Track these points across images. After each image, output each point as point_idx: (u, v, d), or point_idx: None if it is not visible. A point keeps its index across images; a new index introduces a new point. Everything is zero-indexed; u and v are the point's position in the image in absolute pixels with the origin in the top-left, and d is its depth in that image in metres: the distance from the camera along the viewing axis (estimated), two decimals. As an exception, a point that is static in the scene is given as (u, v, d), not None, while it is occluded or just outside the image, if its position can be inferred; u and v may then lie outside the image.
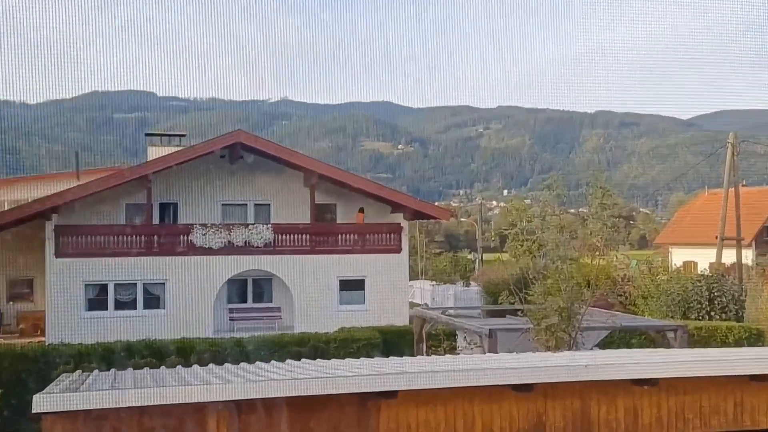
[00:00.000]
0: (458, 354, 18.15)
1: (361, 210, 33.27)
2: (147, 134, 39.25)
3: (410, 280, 40.91)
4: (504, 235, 18.39)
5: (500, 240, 19.08)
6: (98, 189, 29.87)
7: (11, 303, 33.76)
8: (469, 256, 71.75)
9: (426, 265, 61.73)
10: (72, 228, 29.97)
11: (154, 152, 34.89)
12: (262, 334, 27.51)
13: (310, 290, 31.41)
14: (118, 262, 29.82)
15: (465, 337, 19.80)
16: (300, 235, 31.64)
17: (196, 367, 13.26)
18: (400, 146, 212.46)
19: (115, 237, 30.08)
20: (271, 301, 33.20)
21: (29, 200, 33.40)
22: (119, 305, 30.34)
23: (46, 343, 26.66)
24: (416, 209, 32.84)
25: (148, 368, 13.75)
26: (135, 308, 30.33)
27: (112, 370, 13.21)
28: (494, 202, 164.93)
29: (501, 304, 18.23)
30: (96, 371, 13.40)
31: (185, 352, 23.89)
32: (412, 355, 20.80)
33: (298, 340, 25.79)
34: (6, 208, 35.50)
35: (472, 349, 18.69)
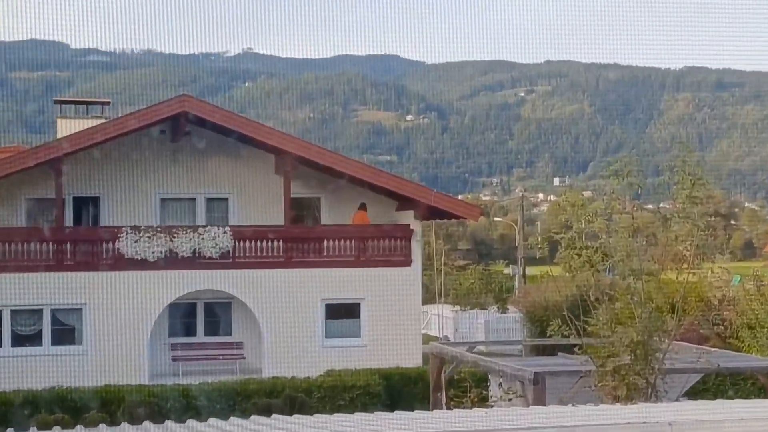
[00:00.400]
0: (491, 407, 18.13)
1: (363, 207, 33.24)
2: (56, 101, 39.38)
3: (424, 303, 40.89)
4: (555, 241, 18.36)
5: (550, 248, 19.05)
6: (-11, 178, 29.89)
7: None
8: (507, 271, 71.64)
9: (446, 283, 61.65)
10: (-48, 232, 30.00)
11: (66, 126, 34.92)
12: (218, 379, 27.54)
13: (284, 318, 31.42)
14: (15, 280, 29.82)
15: (500, 384, 19.75)
16: (270, 242, 31.65)
17: (125, 426, 13.23)
18: (409, 117, 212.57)
19: (12, 245, 30.09)
20: (230, 334, 33.22)
21: None
22: (18, 340, 30.36)
23: None
24: (432, 205, 32.84)
25: (59, 428, 13.73)
26: (40, 344, 30.37)
27: (9, 430, 13.20)
28: (541, 195, 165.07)
29: (550, 336, 18.22)
30: (-14, 432, 13.41)
31: (111, 405, 23.96)
32: (428, 408, 20.79)
33: (269, 388, 25.85)
34: None
35: (510, 399, 18.65)
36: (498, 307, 52.49)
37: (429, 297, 51.88)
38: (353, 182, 32.78)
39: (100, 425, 13.62)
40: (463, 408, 18.92)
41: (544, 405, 15.44)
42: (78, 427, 13.97)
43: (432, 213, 33.93)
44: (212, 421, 13.17)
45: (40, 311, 30.45)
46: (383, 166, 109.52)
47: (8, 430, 13.36)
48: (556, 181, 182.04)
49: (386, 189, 32.83)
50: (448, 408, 20.66)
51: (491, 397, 21.06)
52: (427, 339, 34.66)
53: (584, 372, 16.89)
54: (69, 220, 32.15)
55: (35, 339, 30.46)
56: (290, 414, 15.41)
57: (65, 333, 30.87)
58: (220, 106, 36.16)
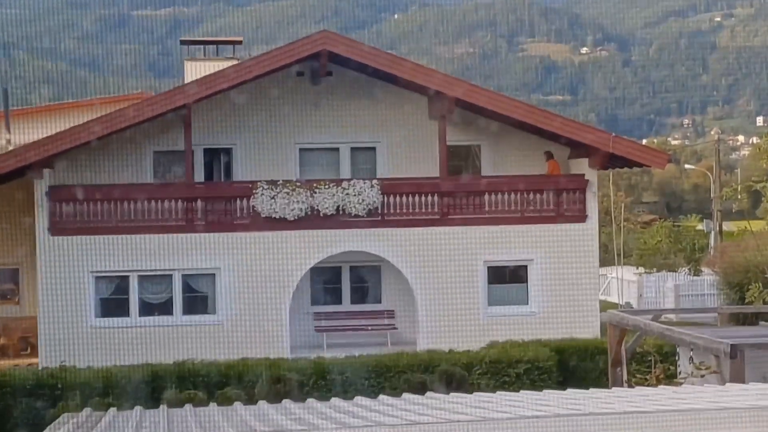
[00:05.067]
0: (680, 384, 17.95)
1: (549, 155, 33.00)
2: (183, 42, 40.21)
3: (602, 265, 40.52)
4: (756, 191, 18.02)
5: (751, 199, 18.71)
6: (112, 129, 30.70)
7: (-13, 306, 35.33)
8: (700, 226, 70.47)
9: (628, 242, 61.00)
10: (74, 190, 30.93)
11: (195, 70, 35.61)
12: (367, 352, 27.91)
13: (441, 284, 31.55)
14: (143, 242, 30.70)
15: (691, 358, 19.57)
16: (425, 197, 31.73)
17: (263, 404, 13.59)
18: (584, 49, 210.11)
19: (139, 203, 30.90)
20: (380, 302, 33.55)
21: (8, 148, 34.70)
22: (146, 309, 31.26)
23: (40, 367, 27.92)
24: (611, 152, 32.44)
25: (190, 405, 14.18)
26: (171, 313, 31.18)
27: (137, 408, 13.69)
28: (741, 138, 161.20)
29: (751, 303, 17.93)
30: (113, 410, 13.93)
31: (247, 381, 24.57)
32: (606, 385, 20.70)
33: (424, 363, 26.12)
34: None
35: (702, 376, 18.45)
36: (690, 269, 51.76)
37: (608, 258, 51.55)
38: (519, 127, 32.57)
39: (236, 403, 14.04)
40: (647, 386, 18.78)
41: (743, 382, 15.21)
42: (211, 405, 14.43)
43: (611, 161, 33.49)
44: (359, 399, 13.41)
45: (170, 277, 31.23)
46: (555, 108, 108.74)
47: (136, 407, 13.85)
48: (760, 120, 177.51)
49: (557, 134, 32.50)
50: (630, 385, 20.55)
51: (680, 373, 20.90)
52: (605, 306, 34.41)
53: (791, 345, 16.62)
54: (199, 174, 32.80)
55: (165, 308, 31.23)
56: (447, 392, 15.54)
57: (197, 301, 31.60)
58: (366, 42, 36.25)
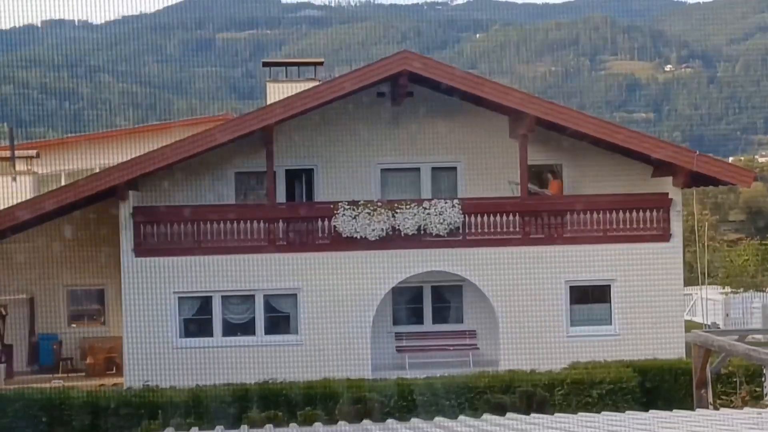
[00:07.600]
0: (767, 407, 17.75)
1: (554, 174, 33.12)
2: (265, 63, 40.59)
3: (687, 285, 40.11)
4: None
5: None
6: (195, 151, 31.05)
7: (73, 326, 35.86)
8: (788, 246, 69.59)
9: (714, 261, 60.30)
10: (159, 211, 31.43)
11: (277, 91, 35.96)
12: (448, 373, 27.90)
13: (523, 304, 31.47)
14: (226, 263, 31.01)
15: (778, 380, 19.35)
16: (506, 217, 31.71)
17: (343, 424, 13.67)
18: (668, 67, 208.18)
19: (222, 224, 31.23)
20: (462, 322, 33.54)
21: (95, 170, 35.28)
22: (229, 329, 31.58)
23: (125, 387, 28.32)
24: (696, 171, 32.17)
25: (272, 426, 14.31)
26: (253, 333, 31.49)
27: (219, 428, 13.83)
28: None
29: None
30: (195, 430, 14.09)
31: (328, 401, 24.68)
32: (690, 407, 20.51)
33: (504, 383, 26.04)
34: (62, 182, 37.68)
35: (789, 398, 18.24)
36: (779, 290, 51.12)
37: (692, 277, 51.01)
38: (601, 146, 32.43)
39: (316, 424, 14.15)
40: (732, 407, 18.60)
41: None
42: (292, 425, 14.55)
43: (695, 179, 33.20)
44: (439, 420, 13.44)
45: (252, 297, 31.52)
46: (638, 126, 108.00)
47: (218, 427, 14.00)
48: None
49: (640, 152, 32.31)
50: (715, 407, 20.35)
51: (767, 395, 20.67)
52: (690, 326, 34.07)
53: None
54: (281, 195, 33.08)
55: (247, 328, 31.54)
56: (527, 413, 15.52)
57: (280, 321, 31.87)
58: (447, 62, 36.37)
